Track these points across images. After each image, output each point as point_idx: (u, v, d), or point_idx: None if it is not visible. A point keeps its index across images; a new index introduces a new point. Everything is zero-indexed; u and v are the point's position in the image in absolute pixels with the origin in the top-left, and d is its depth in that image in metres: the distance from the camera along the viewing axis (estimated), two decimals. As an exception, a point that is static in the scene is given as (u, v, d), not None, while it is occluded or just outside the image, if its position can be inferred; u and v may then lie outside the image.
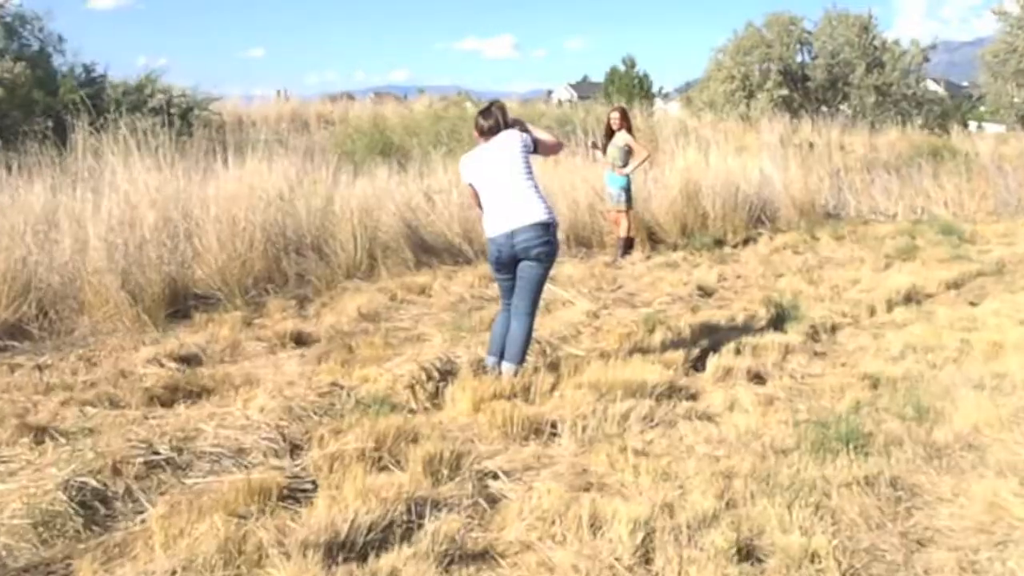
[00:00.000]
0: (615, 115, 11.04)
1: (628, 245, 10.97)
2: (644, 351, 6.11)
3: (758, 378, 5.68)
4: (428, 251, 10.15)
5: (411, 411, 4.94)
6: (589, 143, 12.20)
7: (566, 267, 9.91)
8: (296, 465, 3.99)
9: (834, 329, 7.01)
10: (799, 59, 32.45)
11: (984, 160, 18.56)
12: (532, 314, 5.48)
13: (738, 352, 6.13)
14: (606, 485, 3.95)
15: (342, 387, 5.09)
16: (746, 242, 11.96)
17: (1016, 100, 29.68)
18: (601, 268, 9.89)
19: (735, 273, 9.61)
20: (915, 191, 16.40)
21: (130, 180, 8.67)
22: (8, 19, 21.32)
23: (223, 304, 7.67)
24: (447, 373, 5.40)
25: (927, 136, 26.64)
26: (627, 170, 10.87)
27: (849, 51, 31.15)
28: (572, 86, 65.09)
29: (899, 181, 16.94)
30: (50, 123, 18.16)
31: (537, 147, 5.51)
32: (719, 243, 11.71)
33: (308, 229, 9.49)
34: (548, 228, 5.32)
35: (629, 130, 11.02)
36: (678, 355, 5.95)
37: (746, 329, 6.81)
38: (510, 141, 5.41)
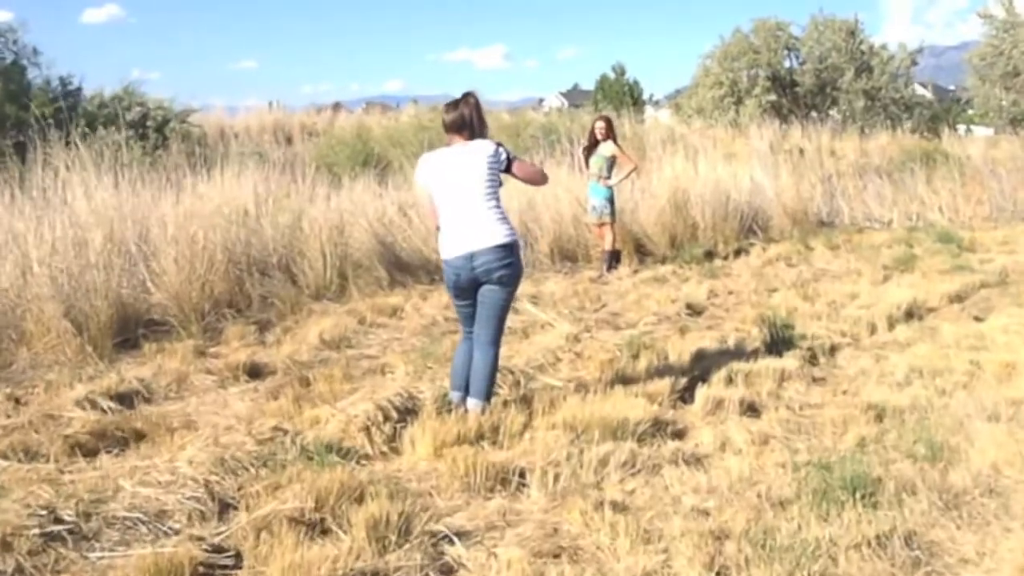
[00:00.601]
0: (600, 124, 10.53)
1: (614, 258, 10.47)
2: (627, 380, 5.59)
3: (752, 410, 5.16)
4: (403, 269, 9.63)
5: (365, 457, 4.41)
6: (579, 148, 11.50)
7: (549, 284, 9.43)
8: (220, 532, 3.44)
9: (833, 351, 6.50)
10: (787, 64, 32.07)
11: (977, 164, 18.13)
12: (497, 343, 4.95)
13: (730, 380, 5.61)
14: (579, 550, 3.42)
15: (287, 432, 4.55)
16: (738, 253, 11.46)
17: (1004, 103, 29.31)
18: (585, 284, 9.39)
19: (726, 288, 9.09)
20: (909, 197, 15.93)
21: (86, 198, 8.16)
22: (-20, 32, 20.83)
23: (177, 332, 7.13)
24: (407, 412, 4.86)
25: (918, 140, 26.27)
26: (612, 181, 10.39)
27: (837, 56, 30.78)
28: (563, 94, 64.78)
29: (892, 187, 16.49)
30: (21, 138, 17.64)
31: (511, 166, 4.93)
32: (709, 255, 11.21)
33: (275, 247, 8.96)
34: (511, 249, 4.80)
35: (615, 140, 10.53)
36: (664, 385, 5.42)
37: (738, 353, 6.29)
38: (480, 149, 4.83)
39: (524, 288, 8.99)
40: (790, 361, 6.01)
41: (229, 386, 5.87)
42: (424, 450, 4.45)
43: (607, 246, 10.45)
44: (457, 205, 4.82)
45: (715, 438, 4.67)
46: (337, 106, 38.00)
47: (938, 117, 32.48)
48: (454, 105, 4.91)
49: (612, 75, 38.37)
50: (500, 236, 4.75)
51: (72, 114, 18.65)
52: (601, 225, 10.48)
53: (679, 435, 4.80)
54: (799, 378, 5.78)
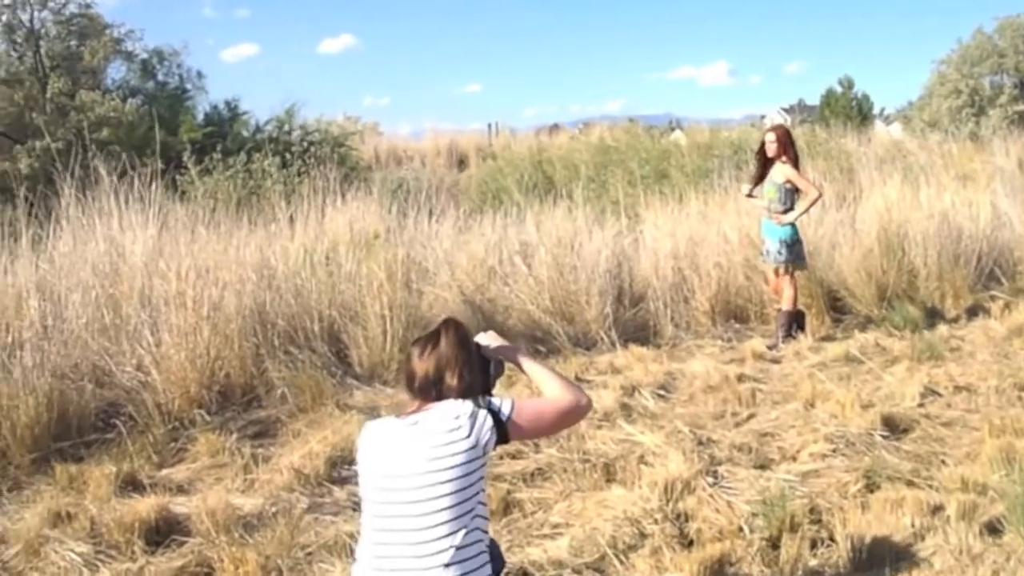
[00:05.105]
0: (771, 137, 7.72)
1: (795, 323, 7.68)
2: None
3: None
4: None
5: None
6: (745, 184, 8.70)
7: (694, 362, 6.81)
8: None
9: None
10: (1037, 69, 27.51)
11: None
12: None
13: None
14: None
15: None
16: (973, 314, 8.34)
17: None
18: (745, 365, 6.68)
19: (952, 380, 6.08)
20: None
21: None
22: (145, 56, 20.40)
23: (123, 441, 5.05)
24: None
25: None
26: (790, 217, 7.56)
27: (1097, 57, 26.07)
28: (785, 110, 61.08)
29: None
30: (162, 164, 16.78)
31: (511, 423, 2.51)
32: (932, 315, 8.16)
33: (324, 309, 6.81)
34: None
35: (793, 160, 7.70)
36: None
37: (962, 555, 3.51)
38: (440, 426, 2.47)
39: (654, 371, 6.46)
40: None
41: (103, 564, 3.70)
42: None
43: (785, 304, 7.68)
44: (389, 528, 2.43)
45: None
46: (555, 127, 36.75)
47: None
48: (431, 344, 2.60)
49: (839, 89, 34.76)
50: None
51: (222, 140, 17.78)
52: (779, 277, 7.74)
53: None
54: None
